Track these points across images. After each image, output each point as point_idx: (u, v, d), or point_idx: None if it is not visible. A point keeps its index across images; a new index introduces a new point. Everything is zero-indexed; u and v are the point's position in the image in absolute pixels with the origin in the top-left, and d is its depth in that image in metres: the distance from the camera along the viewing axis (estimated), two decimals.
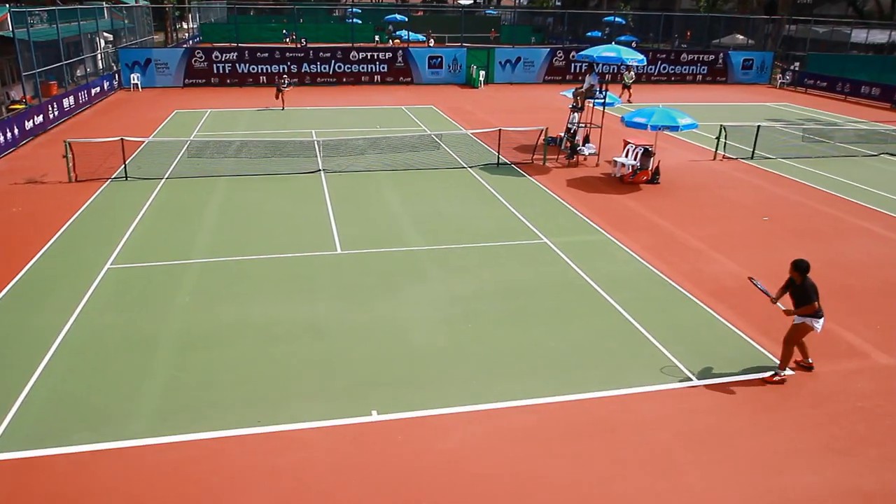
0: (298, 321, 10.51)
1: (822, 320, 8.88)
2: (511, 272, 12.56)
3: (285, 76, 32.43)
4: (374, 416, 8.24)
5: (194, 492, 6.96)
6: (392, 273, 12.40)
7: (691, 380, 9.16)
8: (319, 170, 19.22)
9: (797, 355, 9.37)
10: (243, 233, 14.31)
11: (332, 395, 8.66)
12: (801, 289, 8.82)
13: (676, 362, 9.55)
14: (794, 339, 9.05)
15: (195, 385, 8.81)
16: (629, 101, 32.49)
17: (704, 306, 11.35)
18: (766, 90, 41.03)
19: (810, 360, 9.41)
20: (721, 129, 22.07)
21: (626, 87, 33.75)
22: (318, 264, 12.76)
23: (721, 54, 43.21)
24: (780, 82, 42.43)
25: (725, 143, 22.06)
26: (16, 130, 21.57)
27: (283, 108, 29.71)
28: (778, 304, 9.16)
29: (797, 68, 42.70)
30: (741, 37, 53.50)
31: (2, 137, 20.52)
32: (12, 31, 25.58)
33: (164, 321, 10.44)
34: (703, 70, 42.68)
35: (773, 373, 9.20)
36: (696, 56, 42.67)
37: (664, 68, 41.97)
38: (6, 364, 9.16)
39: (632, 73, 33.53)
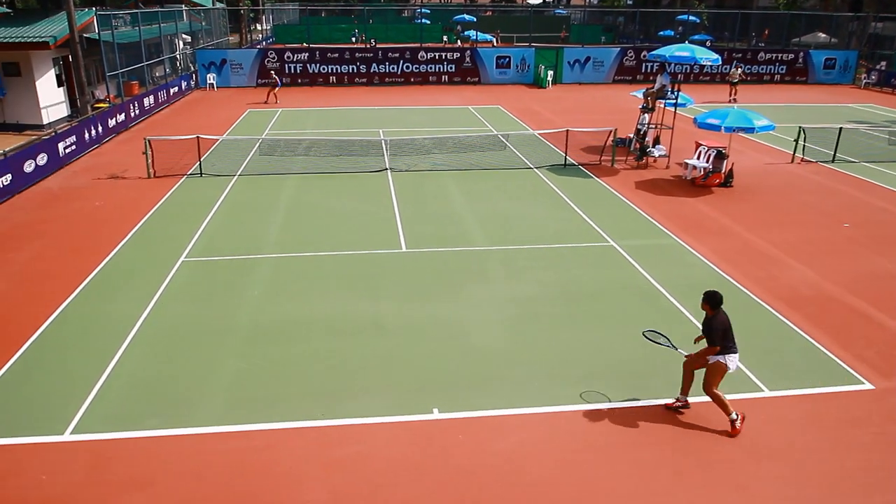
0: (362, 317, 10.65)
1: (734, 356, 7.78)
2: (576, 275, 12.38)
3: (272, 73, 33.00)
4: (436, 415, 8.26)
5: (256, 480, 7.13)
6: (455, 272, 12.41)
7: (762, 391, 8.83)
8: (386, 168, 19.42)
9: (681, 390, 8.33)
10: (311, 229, 14.60)
11: (393, 391, 8.73)
12: (707, 324, 7.83)
13: (747, 372, 9.21)
14: (713, 382, 7.87)
15: (261, 377, 9.03)
16: (734, 101, 31.41)
17: (778, 315, 10.92)
18: (849, 90, 39.21)
19: (686, 398, 8.32)
20: (800, 131, 21.21)
21: (734, 84, 32.99)
22: (383, 262, 12.89)
23: (801, 53, 41.52)
24: (865, 82, 40.47)
25: (804, 145, 21.18)
26: (100, 128, 22.63)
27: (276, 101, 30.99)
28: (679, 350, 8.24)
29: (883, 68, 40.64)
30: (823, 35, 51.29)
31: (87, 135, 21.57)
32: (98, 33, 26.91)
33: (234, 313, 10.75)
34: (782, 70, 41.10)
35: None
36: (774, 55, 41.11)
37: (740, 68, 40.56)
38: (87, 350, 9.61)
39: (739, 70, 33.12)
